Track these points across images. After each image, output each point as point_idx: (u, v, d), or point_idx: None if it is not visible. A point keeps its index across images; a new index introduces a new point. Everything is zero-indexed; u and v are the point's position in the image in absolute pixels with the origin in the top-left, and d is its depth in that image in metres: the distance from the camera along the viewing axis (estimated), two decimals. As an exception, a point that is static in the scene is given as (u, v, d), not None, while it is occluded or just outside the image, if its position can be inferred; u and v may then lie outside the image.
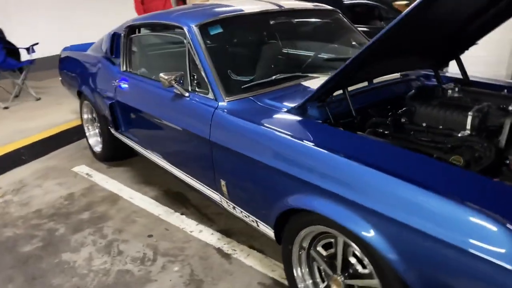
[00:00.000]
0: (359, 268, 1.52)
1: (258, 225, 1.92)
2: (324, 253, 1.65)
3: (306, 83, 2.20)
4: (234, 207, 2.05)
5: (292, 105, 1.92)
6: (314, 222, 1.58)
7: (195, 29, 2.26)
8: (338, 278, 1.58)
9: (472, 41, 2.17)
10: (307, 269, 1.75)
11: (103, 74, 3.09)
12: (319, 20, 2.71)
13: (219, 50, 2.24)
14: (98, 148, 3.60)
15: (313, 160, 1.50)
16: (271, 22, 2.52)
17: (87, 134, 3.73)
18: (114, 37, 3.00)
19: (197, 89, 2.21)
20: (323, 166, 1.47)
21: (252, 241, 2.38)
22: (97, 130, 3.69)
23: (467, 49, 2.22)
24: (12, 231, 2.62)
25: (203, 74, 2.15)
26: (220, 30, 2.33)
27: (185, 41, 2.30)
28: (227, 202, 2.08)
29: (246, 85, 2.11)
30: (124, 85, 2.80)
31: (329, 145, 1.51)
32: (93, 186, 3.17)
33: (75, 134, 4.13)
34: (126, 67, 2.91)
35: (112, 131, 3.20)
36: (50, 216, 2.77)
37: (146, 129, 2.68)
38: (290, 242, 1.73)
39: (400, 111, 1.94)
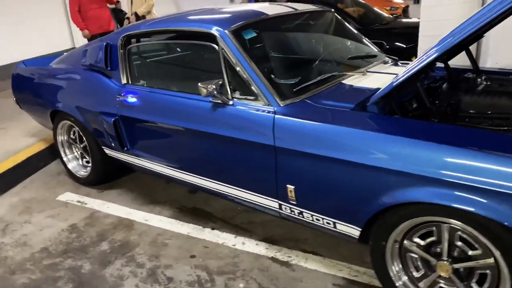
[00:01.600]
0: (467, 250, 1.60)
1: (335, 227, 1.91)
2: (422, 242, 1.70)
3: (347, 82, 2.25)
4: (300, 213, 2.01)
5: (349, 103, 1.96)
6: (416, 214, 1.63)
7: (229, 35, 2.17)
8: (446, 263, 1.64)
9: (480, 35, 2.40)
10: (400, 264, 1.79)
11: (97, 88, 2.79)
12: (329, 20, 2.77)
13: (257, 55, 2.17)
14: (83, 172, 3.25)
15: (418, 151, 1.55)
16: (295, 24, 2.51)
17: (64, 158, 3.34)
18: (108, 48, 2.73)
19: (240, 96, 2.12)
20: (428, 156, 1.52)
21: (301, 245, 2.36)
22: (76, 153, 3.33)
23: (476, 41, 2.45)
24: (26, 277, 2.25)
25: (248, 80, 2.07)
26: (254, 34, 2.26)
27: (217, 47, 2.19)
28: (290, 208, 2.04)
29: (297, 88, 2.09)
30: (133, 99, 2.56)
31: (425, 135, 1.59)
32: (94, 213, 2.86)
33: (40, 159, 3.68)
34: (128, 79, 2.67)
35: (108, 151, 2.92)
36: (63, 253, 2.44)
37: (169, 143, 2.49)
38: (384, 239, 1.75)
39: (451, 100, 2.07)
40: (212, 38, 2.22)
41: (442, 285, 1.71)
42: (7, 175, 3.30)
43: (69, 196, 3.12)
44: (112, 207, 2.93)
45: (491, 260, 1.53)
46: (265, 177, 2.05)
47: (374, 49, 2.77)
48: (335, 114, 1.89)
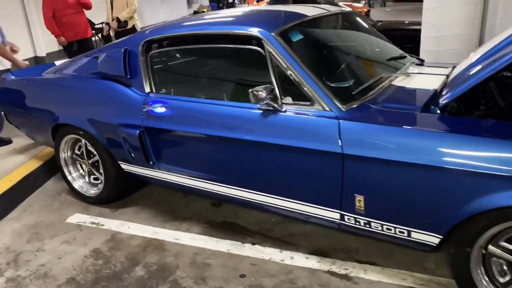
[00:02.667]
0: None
1: (409, 235, 1.83)
2: (510, 246, 1.65)
3: (396, 83, 2.19)
4: (367, 223, 1.91)
5: (413, 105, 1.90)
6: (509, 218, 1.57)
7: (277, 37, 2.05)
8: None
9: None
10: (483, 270, 1.73)
11: (115, 99, 2.55)
12: (357, 21, 2.71)
13: (306, 57, 2.05)
14: (92, 191, 2.97)
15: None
16: (332, 26, 2.42)
17: (68, 177, 3.05)
18: (126, 55, 2.50)
19: (292, 102, 1.99)
20: None
21: (354, 255, 2.26)
22: (82, 170, 3.05)
23: None
24: (60, 314, 1.99)
25: (302, 84, 1.95)
26: (301, 36, 2.15)
27: (261, 51, 2.06)
28: (355, 218, 1.93)
29: (356, 91, 2.00)
30: (161, 109, 2.36)
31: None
32: (116, 235, 2.61)
33: (36, 179, 3.34)
34: (152, 88, 2.46)
35: (126, 165, 2.69)
36: (94, 282, 2.18)
37: (207, 155, 2.29)
38: (469, 245, 1.68)
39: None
40: (256, 41, 2.09)
41: (531, 289, 1.67)
42: (3, 199, 2.95)
43: (79, 218, 2.84)
44: (133, 227, 2.69)
45: None
46: (327, 187, 1.93)
47: (400, 50, 2.74)
48: (407, 116, 1.81)
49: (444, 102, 1.79)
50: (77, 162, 3.06)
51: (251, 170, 2.18)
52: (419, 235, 1.80)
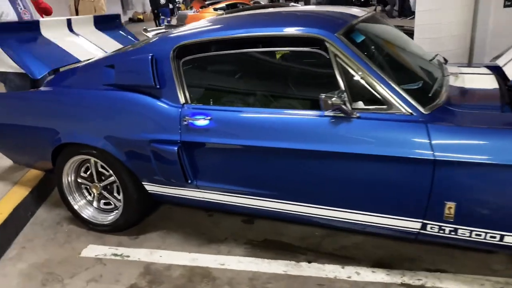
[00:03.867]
0: None
1: (501, 240, 1.77)
2: None
3: (454, 84, 2.14)
4: (453, 230, 1.82)
5: (490, 106, 1.87)
6: None
7: (342, 38, 1.91)
8: None
9: None
10: None
11: (144, 112, 2.24)
12: (384, 21, 2.64)
13: (373, 59, 1.94)
14: (107, 218, 2.61)
15: None
16: (377, 27, 2.33)
17: (75, 206, 2.67)
18: (153, 62, 2.22)
19: (365, 107, 1.86)
20: None
21: (420, 264, 2.17)
22: (90, 195, 2.68)
23: None
24: None
25: (376, 88, 1.83)
26: (362, 37, 2.02)
27: (326, 53, 1.91)
28: (440, 227, 1.84)
29: (431, 93, 1.91)
30: (204, 122, 2.10)
31: None
32: (149, 266, 2.30)
33: (26, 209, 2.89)
34: (187, 98, 2.20)
35: (153, 186, 2.39)
36: (148, 326, 1.88)
37: (264, 169, 2.08)
38: None
39: None
40: (318, 43, 1.93)
41: None
42: (-3, 236, 2.50)
43: (96, 250, 2.48)
44: (165, 255, 2.39)
45: None
46: (412, 196, 1.82)
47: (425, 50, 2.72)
48: (494, 117, 1.77)
49: None
50: (82, 186, 2.68)
51: (317, 183, 2.00)
52: (512, 239, 1.75)
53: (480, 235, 1.79)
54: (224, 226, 2.64)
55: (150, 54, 2.23)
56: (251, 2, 14.95)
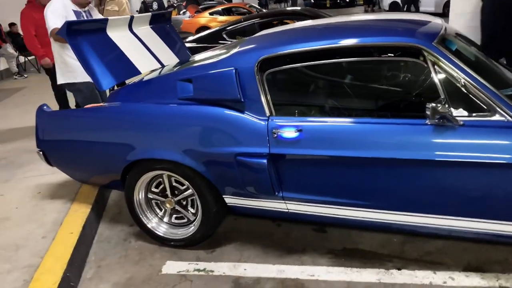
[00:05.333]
0: None
1: None
2: None
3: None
4: None
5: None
6: None
7: (440, 47, 1.93)
8: None
9: None
10: None
11: (229, 126, 2.22)
12: None
13: (471, 67, 1.96)
14: (188, 231, 2.56)
15: None
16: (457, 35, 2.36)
17: (148, 225, 2.63)
18: (237, 76, 2.20)
19: (467, 114, 1.89)
20: None
21: (507, 265, 2.20)
22: (162, 211, 2.65)
23: None
24: None
25: (480, 94, 1.86)
26: (455, 45, 2.05)
27: (423, 62, 1.93)
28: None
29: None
30: (294, 134, 2.10)
31: None
32: (238, 280, 2.28)
33: (90, 228, 2.81)
34: (272, 111, 2.19)
35: (235, 199, 2.38)
36: None
37: (354, 179, 2.08)
38: None
39: None
40: (415, 51, 1.95)
41: None
42: (76, 256, 2.44)
43: (176, 266, 2.45)
44: (249, 268, 2.38)
45: None
46: (520, 201, 1.85)
47: None
48: None
49: None
50: (152, 202, 2.65)
51: (417, 191, 2.02)
52: None
53: None
54: (297, 236, 2.64)
55: (233, 68, 2.22)
56: (247, 6, 14.94)
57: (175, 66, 2.86)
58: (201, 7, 17.90)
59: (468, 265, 2.24)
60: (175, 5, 23.64)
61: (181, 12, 20.18)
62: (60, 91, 4.85)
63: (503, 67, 2.43)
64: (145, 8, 20.04)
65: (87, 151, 2.63)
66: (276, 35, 2.54)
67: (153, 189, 2.61)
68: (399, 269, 2.26)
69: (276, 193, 2.25)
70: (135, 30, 3.05)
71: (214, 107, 2.28)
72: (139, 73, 2.79)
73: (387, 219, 2.13)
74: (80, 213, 2.86)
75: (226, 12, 14.40)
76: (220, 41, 6.27)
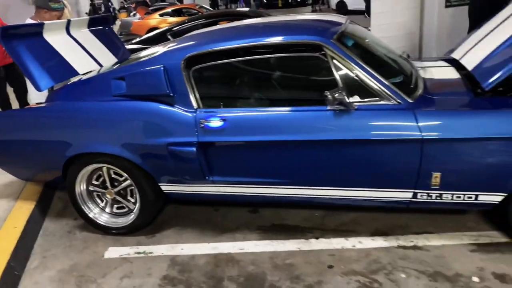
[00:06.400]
0: None
1: (476, 199, 2.21)
2: None
3: (424, 76, 2.56)
4: (439, 196, 2.24)
5: (461, 92, 2.31)
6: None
7: (337, 43, 2.26)
8: None
9: None
10: None
11: (160, 118, 2.45)
12: (357, 24, 3.04)
13: (363, 59, 2.30)
14: (123, 221, 2.77)
15: None
16: (355, 30, 2.70)
17: (90, 215, 2.81)
18: (165, 73, 2.43)
19: (361, 100, 2.22)
20: None
21: (409, 229, 2.57)
22: (102, 202, 2.83)
23: None
24: None
25: (370, 83, 2.20)
26: (352, 41, 2.39)
27: (324, 57, 2.25)
28: (428, 193, 2.25)
29: (412, 85, 2.32)
30: (219, 123, 2.36)
31: None
32: (175, 259, 2.51)
33: (35, 222, 2.95)
34: (200, 103, 2.44)
35: (169, 186, 2.61)
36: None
37: (277, 161, 2.37)
38: (530, 196, 2.12)
39: None
40: (316, 48, 2.26)
41: None
42: (20, 248, 2.58)
43: (118, 251, 2.64)
44: (186, 247, 2.61)
45: None
46: (405, 171, 2.21)
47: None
48: (466, 102, 2.20)
49: (490, 86, 2.19)
50: (94, 194, 2.83)
51: (323, 168, 2.34)
52: (485, 197, 2.19)
53: (459, 197, 2.22)
54: (232, 217, 2.91)
55: (162, 66, 2.45)
56: (197, 7, 15.06)
57: (112, 66, 3.04)
58: (151, 8, 17.79)
59: (375, 231, 2.60)
60: (126, 6, 23.33)
61: (131, 14, 19.98)
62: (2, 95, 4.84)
63: (403, 59, 2.80)
64: (94, 10, 19.68)
65: (30, 150, 2.76)
66: (201, 35, 2.80)
67: (94, 182, 2.79)
68: (317, 238, 2.58)
69: (207, 178, 2.50)
70: (73, 33, 3.20)
71: (146, 102, 2.50)
72: (77, 74, 2.95)
73: (305, 194, 2.44)
74: (24, 209, 2.98)
75: (177, 13, 14.40)
76: (165, 42, 6.41)
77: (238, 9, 13.86)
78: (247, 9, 13.39)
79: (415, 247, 2.41)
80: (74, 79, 3.05)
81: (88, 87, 2.76)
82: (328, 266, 2.32)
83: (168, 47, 2.65)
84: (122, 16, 21.26)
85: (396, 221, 2.66)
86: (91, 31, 3.42)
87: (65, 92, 2.83)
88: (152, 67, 2.47)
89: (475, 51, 2.60)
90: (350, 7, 16.94)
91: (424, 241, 2.45)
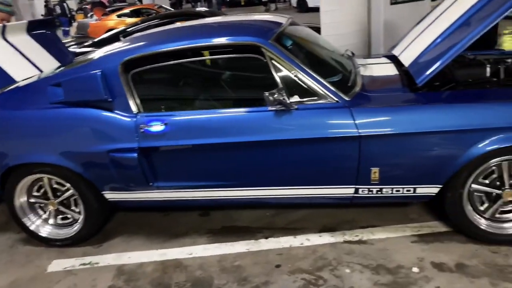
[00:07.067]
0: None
1: (414, 191, 2.27)
2: (487, 181, 2.22)
3: (364, 73, 2.61)
4: (379, 190, 2.29)
5: (397, 88, 2.37)
6: (486, 160, 2.12)
7: (275, 43, 2.27)
8: (509, 191, 2.19)
9: None
10: (469, 205, 2.26)
11: (99, 125, 2.38)
12: (299, 24, 3.06)
13: (302, 59, 2.32)
14: (68, 232, 2.68)
15: (493, 110, 2.06)
16: (296, 30, 2.72)
17: (31, 227, 2.70)
18: (103, 78, 2.36)
19: (300, 100, 2.23)
20: (502, 112, 2.06)
21: (355, 224, 2.62)
22: (45, 213, 2.72)
23: None
24: None
25: (308, 83, 2.22)
26: (291, 41, 2.40)
27: (263, 57, 2.25)
28: (369, 189, 2.30)
29: (349, 83, 2.35)
30: (160, 127, 2.31)
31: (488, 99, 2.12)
32: (121, 268, 2.45)
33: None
34: (140, 108, 2.39)
35: (113, 194, 2.55)
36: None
37: (219, 163, 2.35)
38: (462, 187, 2.20)
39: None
40: (255, 49, 2.26)
41: (504, 209, 2.27)
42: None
43: (62, 264, 2.55)
44: (134, 255, 2.56)
45: None
46: (345, 167, 2.25)
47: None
48: (400, 97, 2.26)
49: (422, 82, 2.25)
50: (35, 205, 2.72)
51: (267, 168, 2.35)
52: (423, 189, 2.26)
53: (399, 190, 2.28)
54: (183, 222, 2.87)
55: (99, 70, 2.38)
56: (155, 7, 14.82)
57: (52, 72, 2.93)
58: (108, 9, 17.35)
59: (323, 227, 2.63)
60: (82, 8, 22.63)
61: (89, 16, 19.42)
62: None
63: (345, 57, 2.85)
64: (48, 12, 18.96)
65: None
66: (141, 37, 2.74)
67: (35, 193, 2.68)
68: (266, 238, 2.59)
69: (151, 184, 2.46)
70: (9, 39, 3.06)
71: (84, 108, 2.42)
72: (13, 81, 2.82)
73: (253, 195, 2.44)
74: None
75: (135, 14, 14.10)
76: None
77: (196, 9, 13.74)
78: (204, 9, 13.29)
79: (360, 242, 2.46)
80: (11, 87, 2.92)
81: (25, 94, 2.64)
82: (276, 266, 2.33)
83: (106, 51, 2.58)
84: (79, 17, 20.65)
85: (344, 216, 2.70)
86: (31, 36, 3.29)
87: (0, 100, 2.70)
88: (89, 72, 2.40)
89: (412, 47, 2.67)
90: (310, 5, 17.14)
91: (369, 234, 2.51)
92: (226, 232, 2.70)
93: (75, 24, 17.97)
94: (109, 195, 2.57)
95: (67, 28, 18.12)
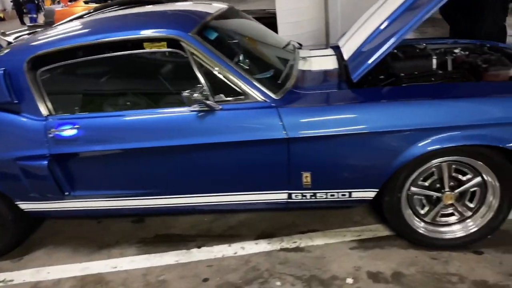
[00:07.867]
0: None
1: (350, 196, 2.10)
2: (426, 184, 2.07)
3: (302, 68, 2.42)
4: (313, 195, 2.12)
5: (330, 85, 2.19)
6: (423, 162, 1.97)
7: (196, 37, 2.04)
8: (450, 193, 2.04)
9: None
10: (409, 208, 2.12)
11: (3, 130, 2.14)
12: (240, 14, 2.83)
13: (227, 54, 2.10)
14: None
15: (430, 109, 1.89)
16: (229, 21, 2.49)
17: None
18: (6, 76, 2.11)
19: (225, 99, 2.03)
20: (444, 110, 1.88)
21: (294, 228, 2.46)
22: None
23: None
24: None
25: (233, 80, 2.02)
26: (216, 34, 2.18)
27: (183, 52, 2.03)
28: (302, 194, 2.12)
29: (279, 80, 2.15)
30: (72, 132, 2.08)
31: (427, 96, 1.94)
32: (36, 285, 2.24)
33: None
34: (51, 109, 2.15)
35: (28, 205, 2.32)
36: None
37: (141, 170, 2.14)
38: (399, 191, 2.04)
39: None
40: (174, 43, 2.04)
41: (444, 213, 2.13)
42: None
43: (-25, 281, 2.33)
44: (53, 270, 2.35)
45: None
46: (275, 172, 2.06)
47: (281, 37, 3.00)
48: (332, 95, 2.07)
49: (357, 78, 2.07)
50: None
51: (191, 175, 2.15)
52: (359, 193, 2.09)
53: (333, 195, 2.11)
54: (114, 230, 2.66)
55: (2, 69, 2.12)
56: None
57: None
58: (75, -4, 16.69)
59: (261, 233, 2.45)
60: (50, -7, 21.76)
61: (56, 2, 18.69)
62: None
63: (287, 50, 2.64)
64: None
65: None
66: (54, 30, 2.47)
67: None
68: (199, 247, 2.40)
69: (66, 194, 2.23)
70: None
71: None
72: None
73: (175, 203, 2.24)
74: None
75: (103, 0, 13.57)
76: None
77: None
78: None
79: (297, 249, 2.29)
80: None
81: None
82: (203, 280, 2.15)
83: (12, 47, 2.32)
84: (47, 4, 19.86)
85: (284, 219, 2.53)
86: None
87: None
88: (-13, 71, 2.14)
89: (353, 39, 2.48)
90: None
91: (307, 241, 2.34)
92: (158, 241, 2.50)
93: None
94: (24, 206, 2.33)
95: (34, 15, 17.40)
